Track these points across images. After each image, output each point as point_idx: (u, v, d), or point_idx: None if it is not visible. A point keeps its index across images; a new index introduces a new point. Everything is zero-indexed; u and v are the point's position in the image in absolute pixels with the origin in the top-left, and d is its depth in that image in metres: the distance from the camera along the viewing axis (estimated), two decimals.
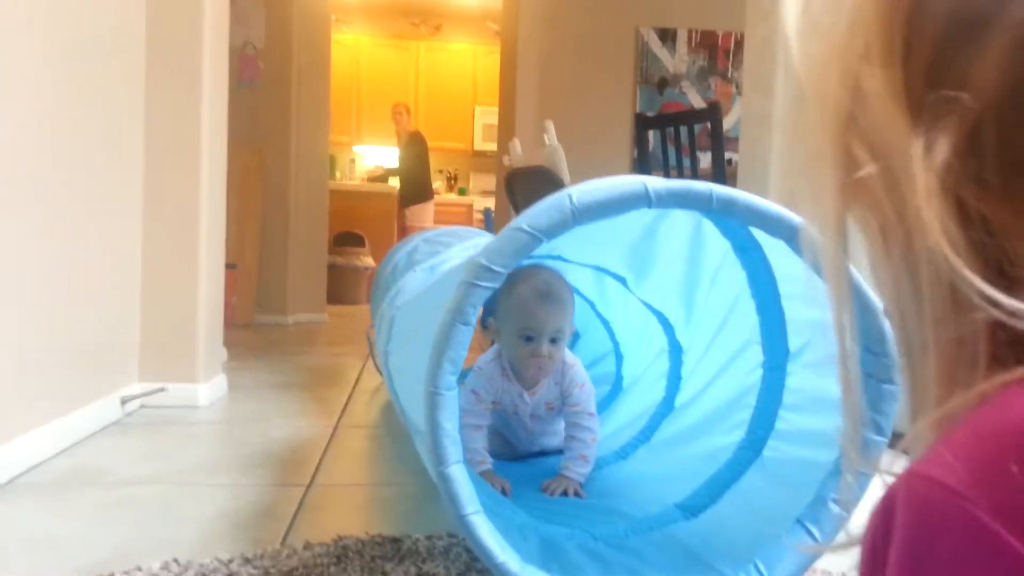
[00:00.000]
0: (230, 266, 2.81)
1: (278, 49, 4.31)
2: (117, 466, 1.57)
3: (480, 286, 0.90)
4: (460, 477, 0.90)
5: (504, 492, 1.29)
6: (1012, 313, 0.28)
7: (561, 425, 1.50)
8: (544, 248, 1.40)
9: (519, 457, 1.56)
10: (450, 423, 0.90)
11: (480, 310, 0.97)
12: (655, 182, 0.90)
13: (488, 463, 1.34)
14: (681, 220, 1.19)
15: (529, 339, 1.33)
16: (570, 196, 0.89)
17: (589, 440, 1.40)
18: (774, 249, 1.07)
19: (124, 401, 1.99)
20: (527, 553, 0.95)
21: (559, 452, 1.50)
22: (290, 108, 4.35)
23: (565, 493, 1.34)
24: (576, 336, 1.88)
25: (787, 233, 0.93)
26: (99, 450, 1.69)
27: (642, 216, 1.20)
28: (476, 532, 0.89)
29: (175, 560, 1.07)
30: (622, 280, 1.51)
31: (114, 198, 1.97)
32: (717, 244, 1.19)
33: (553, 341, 1.34)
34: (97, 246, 1.87)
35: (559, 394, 1.43)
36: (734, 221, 1.07)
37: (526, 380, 1.41)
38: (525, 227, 0.89)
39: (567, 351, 1.41)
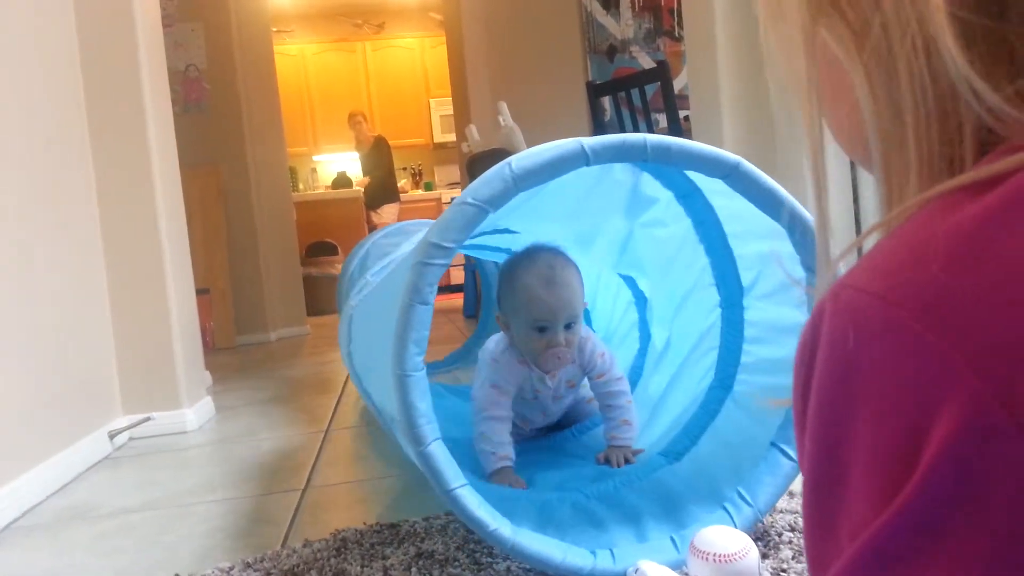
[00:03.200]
0: (202, 291, 2.80)
1: (222, 68, 4.27)
2: (111, 499, 1.57)
3: (433, 264, 0.90)
4: (440, 454, 0.91)
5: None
6: (990, 109, 0.27)
7: (572, 398, 1.45)
8: (490, 223, 1.41)
9: (529, 436, 1.50)
10: (423, 403, 0.91)
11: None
12: (590, 140, 0.91)
13: (511, 459, 1.25)
14: (621, 180, 1.19)
15: (543, 330, 1.25)
16: (509, 164, 0.90)
17: (626, 404, 1.33)
18: (714, 192, 1.08)
19: (112, 435, 1.98)
20: (520, 519, 0.96)
21: (573, 423, 1.50)
22: (242, 125, 4.32)
23: (627, 461, 1.27)
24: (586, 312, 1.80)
25: (724, 171, 0.94)
26: (91, 486, 1.68)
27: (582, 182, 1.21)
28: (464, 505, 0.90)
29: (177, 575, 1.07)
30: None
31: (72, 235, 1.95)
32: (657, 196, 1.20)
33: (568, 327, 1.25)
34: (62, 285, 1.85)
35: (578, 370, 1.37)
36: (673, 170, 1.08)
37: (544, 367, 1.33)
38: (470, 200, 0.90)
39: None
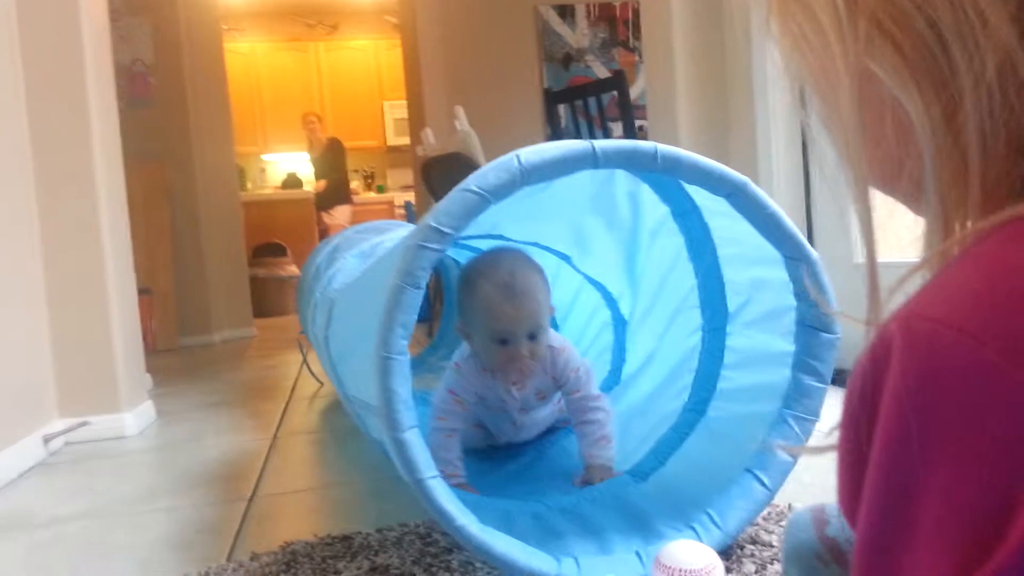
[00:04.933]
0: (144, 291, 2.70)
1: (169, 64, 4.16)
2: (45, 507, 1.49)
3: (429, 248, 0.87)
4: (415, 442, 0.88)
5: None
6: None
7: (548, 410, 1.37)
8: (485, 227, 1.38)
9: (494, 447, 1.44)
10: (403, 388, 0.88)
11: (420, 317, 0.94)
12: (601, 142, 0.89)
13: (461, 475, 1.19)
14: (619, 189, 1.18)
15: (504, 342, 1.17)
16: (518, 156, 0.88)
17: (603, 419, 1.23)
18: (712, 212, 1.08)
19: (47, 440, 1.89)
20: (483, 520, 0.94)
21: (544, 435, 1.43)
22: (189, 122, 4.21)
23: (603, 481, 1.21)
24: (554, 321, 1.66)
25: (729, 190, 0.93)
26: (24, 493, 1.60)
27: (580, 188, 1.19)
28: (434, 496, 0.87)
29: None
30: (566, 258, 1.50)
31: (7, 230, 1.86)
32: (653, 211, 1.19)
33: (532, 337, 1.17)
34: None
35: (550, 382, 1.27)
36: (673, 185, 1.07)
37: (507, 379, 1.26)
38: (474, 187, 0.87)
39: (553, 333, 1.25)
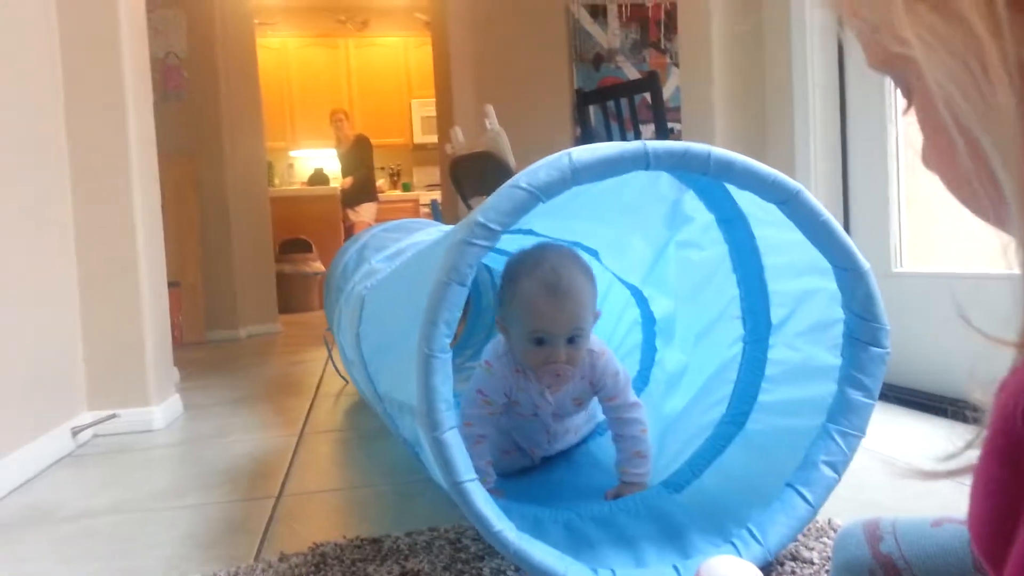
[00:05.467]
0: (173, 284, 2.71)
1: (202, 57, 4.19)
2: (74, 499, 1.49)
3: (477, 244, 0.85)
4: (455, 443, 0.86)
5: None
6: None
7: (582, 418, 1.32)
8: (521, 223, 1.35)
9: (529, 468, 1.36)
10: (445, 387, 0.86)
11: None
12: (654, 143, 0.87)
13: (492, 482, 1.14)
14: (664, 195, 1.16)
15: (541, 342, 1.11)
16: (569, 155, 0.86)
17: (640, 433, 1.18)
18: (758, 220, 1.05)
19: (75, 432, 1.90)
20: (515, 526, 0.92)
21: (577, 446, 1.37)
22: (220, 117, 4.23)
23: None
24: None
25: (783, 197, 0.90)
26: (53, 485, 1.60)
27: (622, 189, 1.17)
28: (472, 500, 0.86)
29: None
30: (594, 253, 1.47)
31: (43, 222, 1.87)
32: (694, 217, 1.16)
33: (571, 341, 1.11)
34: (29, 274, 1.78)
35: (587, 387, 1.21)
36: (719, 191, 1.04)
37: (542, 383, 1.19)
38: (524, 184, 0.85)
39: (593, 337, 1.19)
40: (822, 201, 2.06)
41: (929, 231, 1.98)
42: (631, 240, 1.35)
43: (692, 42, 2.45)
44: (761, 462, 1.07)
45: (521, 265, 1.14)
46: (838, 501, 1.15)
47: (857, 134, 2.02)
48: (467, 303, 2.96)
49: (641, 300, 1.51)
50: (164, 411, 2.12)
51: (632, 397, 1.21)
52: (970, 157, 0.32)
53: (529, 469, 1.35)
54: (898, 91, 0.38)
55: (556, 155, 0.86)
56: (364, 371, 1.47)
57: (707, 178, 0.92)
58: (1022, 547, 0.24)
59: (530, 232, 1.44)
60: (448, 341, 0.87)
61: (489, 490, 1.10)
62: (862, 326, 0.94)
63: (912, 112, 0.38)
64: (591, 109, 3.33)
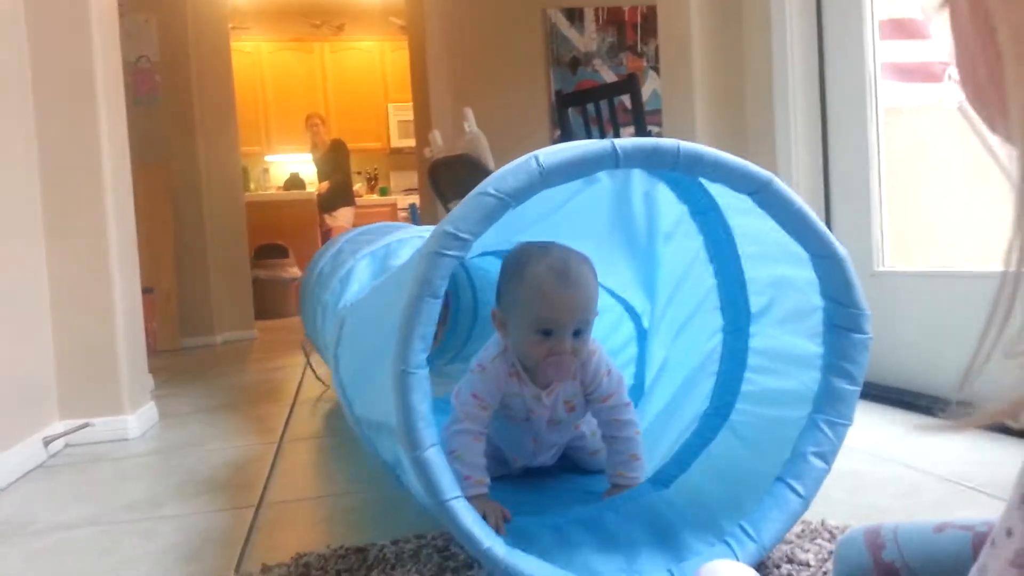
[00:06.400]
0: (147, 290, 2.66)
1: (175, 61, 4.13)
2: (46, 512, 1.45)
3: (447, 255, 0.83)
4: (438, 461, 0.84)
5: (499, 525, 1.01)
6: None
7: (569, 432, 1.27)
8: (501, 243, 1.33)
9: (508, 476, 1.32)
10: (423, 405, 0.84)
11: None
12: (621, 140, 0.86)
13: (486, 485, 1.10)
14: (636, 197, 1.14)
15: (547, 333, 1.08)
16: (536, 157, 0.84)
17: (634, 435, 1.16)
18: (732, 210, 1.04)
19: (47, 442, 1.85)
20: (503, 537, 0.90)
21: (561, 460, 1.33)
22: (194, 121, 4.18)
23: None
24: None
25: (754, 187, 0.89)
26: (24, 497, 1.56)
27: (598, 204, 1.15)
28: (459, 519, 0.83)
29: None
30: None
31: (12, 227, 1.82)
32: (669, 213, 1.15)
33: (577, 334, 1.09)
34: None
35: (579, 389, 1.18)
36: (692, 184, 1.03)
37: (541, 380, 1.16)
38: (491, 191, 0.83)
39: None
40: (804, 200, 2.07)
41: (912, 230, 1.99)
42: (616, 253, 1.33)
43: (672, 44, 2.45)
44: (747, 453, 1.06)
45: (526, 255, 1.11)
46: (832, 503, 1.15)
47: (839, 133, 2.03)
48: (446, 305, 2.93)
49: (634, 315, 1.50)
50: (139, 419, 2.07)
51: (625, 397, 1.19)
52: (987, 62, 0.32)
53: (507, 478, 1.32)
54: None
55: (523, 158, 0.84)
56: (343, 395, 1.45)
57: (678, 173, 0.90)
58: None
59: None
60: (424, 356, 0.84)
61: (488, 509, 1.06)
62: (842, 313, 0.93)
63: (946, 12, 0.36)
64: (570, 112, 3.32)
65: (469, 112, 2.94)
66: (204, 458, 1.78)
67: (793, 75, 2.06)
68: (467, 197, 0.84)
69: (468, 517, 0.84)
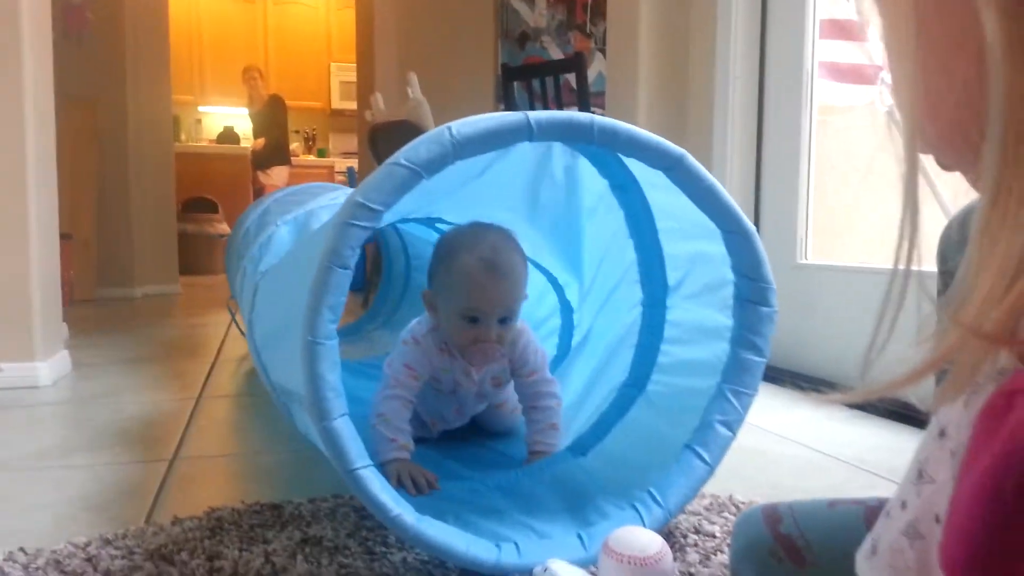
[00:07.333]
0: (65, 236, 2.56)
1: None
2: None
3: (358, 226, 0.83)
4: (346, 431, 0.84)
5: (422, 489, 1.05)
6: None
7: (491, 402, 1.32)
8: (422, 211, 1.33)
9: (434, 439, 1.34)
10: (332, 374, 0.84)
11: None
12: (536, 113, 0.86)
13: (409, 449, 1.11)
14: (556, 169, 1.16)
15: (474, 320, 1.12)
16: (450, 128, 0.84)
17: (555, 405, 1.20)
18: (651, 185, 1.06)
19: None
20: (419, 505, 0.91)
21: (483, 430, 1.36)
22: (125, 64, 4.02)
23: None
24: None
25: (668, 163, 0.91)
26: None
27: (519, 174, 1.16)
28: (367, 487, 0.84)
29: (21, 549, 0.95)
30: None
31: None
32: (591, 187, 1.17)
33: (503, 321, 1.12)
34: None
35: (506, 366, 1.22)
36: (612, 159, 1.05)
37: (469, 360, 1.20)
38: (403, 161, 0.83)
39: None
40: (736, 192, 2.13)
41: (834, 225, 2.07)
42: (539, 223, 1.35)
43: (620, 28, 2.47)
44: (661, 422, 1.09)
45: (458, 241, 1.13)
46: (741, 479, 1.20)
47: (773, 128, 2.08)
48: (379, 270, 2.91)
49: (557, 287, 1.52)
50: (51, 367, 2.00)
51: (549, 374, 1.23)
52: (963, 76, 0.29)
53: (426, 440, 1.34)
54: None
55: (437, 129, 0.84)
56: (257, 358, 1.42)
57: (594, 147, 0.92)
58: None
59: (440, 220, 1.41)
60: (334, 327, 0.84)
61: (415, 473, 1.07)
62: (750, 287, 0.97)
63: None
64: (516, 86, 3.32)
65: (414, 78, 2.90)
66: (118, 410, 1.74)
67: (734, 68, 2.10)
68: (379, 167, 0.84)
69: (376, 484, 0.84)
